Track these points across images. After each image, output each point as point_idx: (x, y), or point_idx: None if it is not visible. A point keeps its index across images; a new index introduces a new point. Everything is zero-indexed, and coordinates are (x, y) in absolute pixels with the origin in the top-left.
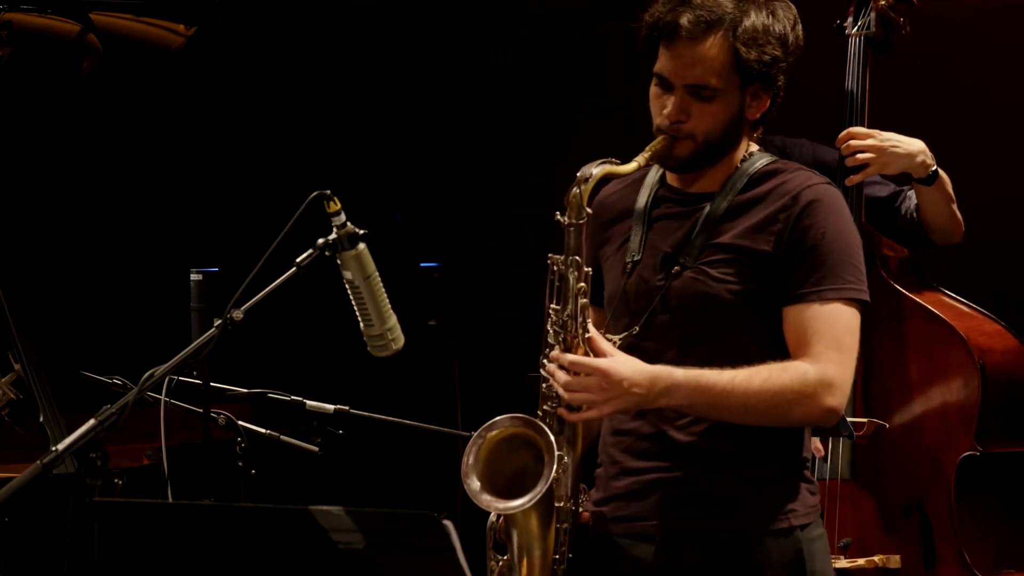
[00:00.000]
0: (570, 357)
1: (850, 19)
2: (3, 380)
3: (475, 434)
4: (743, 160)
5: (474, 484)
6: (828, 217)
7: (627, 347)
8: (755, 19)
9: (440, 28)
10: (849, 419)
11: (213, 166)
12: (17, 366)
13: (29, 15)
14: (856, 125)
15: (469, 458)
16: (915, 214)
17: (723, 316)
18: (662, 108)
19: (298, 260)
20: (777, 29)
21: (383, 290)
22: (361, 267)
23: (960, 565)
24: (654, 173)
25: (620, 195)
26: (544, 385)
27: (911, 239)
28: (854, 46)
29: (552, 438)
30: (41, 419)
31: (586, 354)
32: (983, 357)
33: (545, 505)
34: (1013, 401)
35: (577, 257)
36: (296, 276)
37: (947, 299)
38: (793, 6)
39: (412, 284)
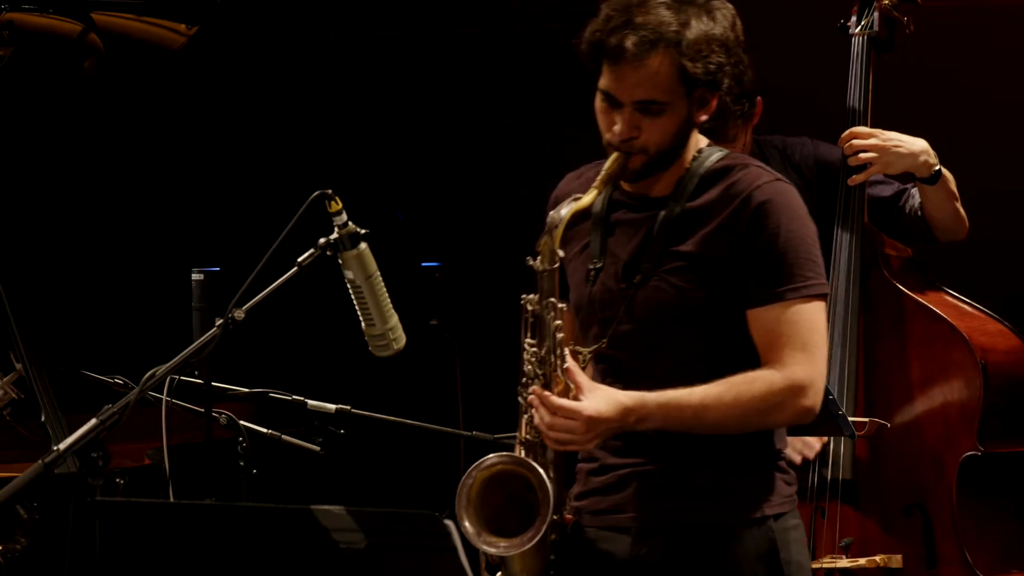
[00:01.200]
0: (555, 402)
1: (853, 18)
2: (5, 379)
3: (465, 474)
4: (693, 159)
5: (470, 527)
6: (781, 216)
7: (597, 358)
8: (696, 30)
9: (440, 28)
10: (850, 418)
11: (214, 166)
12: (19, 365)
13: (31, 15)
14: (859, 125)
15: (462, 500)
16: (919, 212)
17: (687, 324)
18: (611, 124)
19: (299, 260)
20: (718, 33)
21: (384, 290)
22: (362, 267)
23: (962, 565)
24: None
25: (580, 191)
26: (526, 416)
27: (916, 237)
28: (857, 45)
29: (544, 476)
30: (42, 418)
31: (566, 387)
32: (985, 357)
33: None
34: (1015, 401)
35: (552, 299)
36: (297, 276)
37: (950, 299)
38: (729, 3)
39: (413, 284)
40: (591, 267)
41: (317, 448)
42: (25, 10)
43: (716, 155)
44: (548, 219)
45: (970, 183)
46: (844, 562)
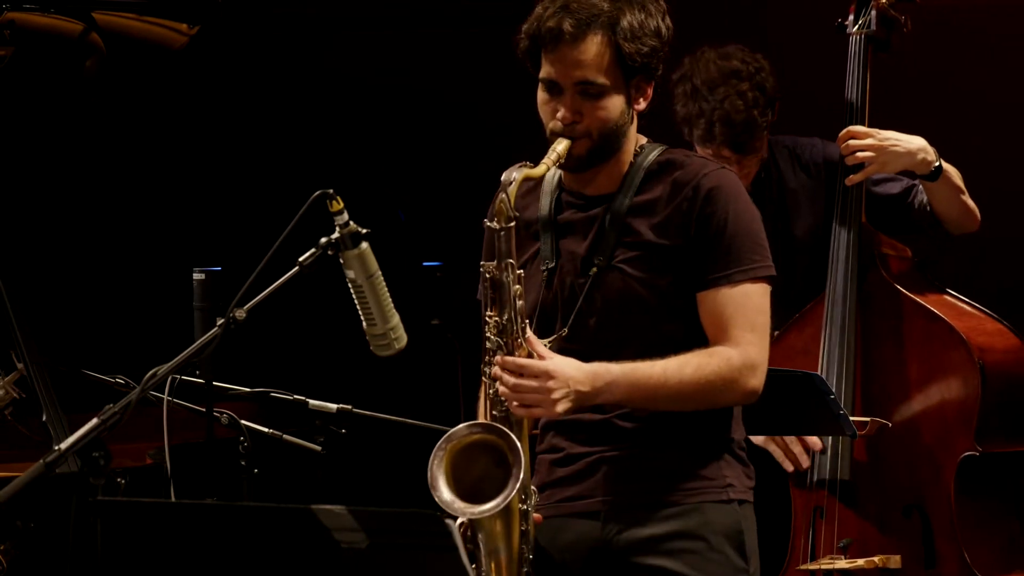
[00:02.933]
0: (519, 361)
1: (851, 17)
2: (6, 379)
3: (435, 447)
4: (636, 154)
5: (445, 494)
6: (729, 202)
7: (557, 351)
8: (630, 17)
9: (441, 28)
10: (852, 418)
11: (216, 165)
12: (20, 365)
13: (32, 14)
14: (856, 124)
15: (434, 469)
16: (928, 207)
17: (647, 312)
18: (554, 112)
19: (301, 259)
20: (652, 24)
21: (386, 289)
22: (364, 266)
23: (960, 565)
24: (551, 178)
25: (521, 205)
26: (491, 391)
27: (928, 232)
28: (855, 45)
29: (515, 438)
30: (44, 418)
31: (528, 356)
32: (983, 356)
33: (509, 508)
34: (1013, 400)
35: (510, 260)
36: (299, 275)
37: (948, 298)
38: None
39: (415, 283)
40: (544, 269)
41: (318, 448)
42: (27, 9)
43: (657, 150)
44: (502, 178)
45: (967, 182)
46: (843, 562)
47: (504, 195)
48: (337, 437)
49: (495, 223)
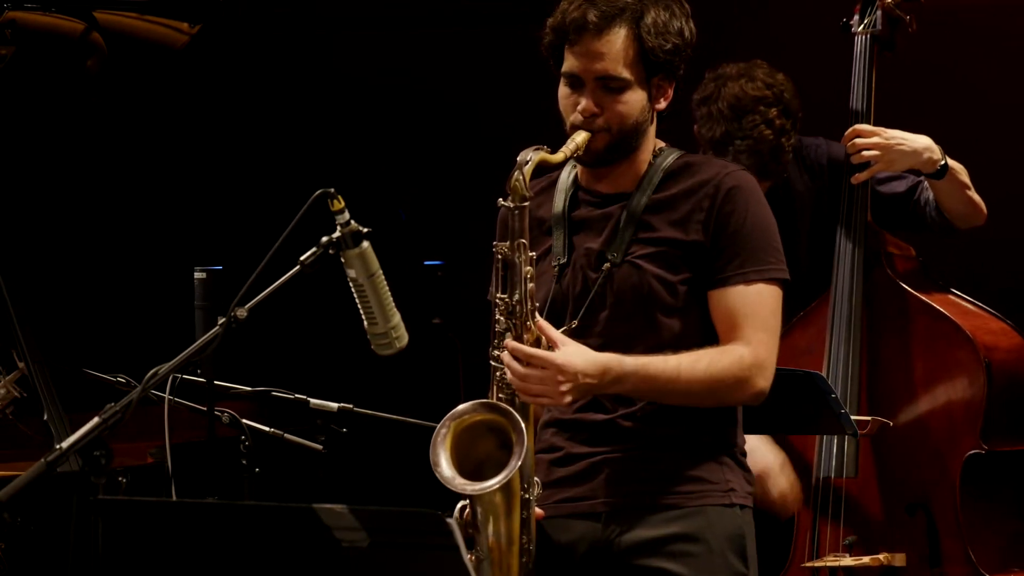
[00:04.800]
0: (527, 350)
1: (856, 17)
2: (7, 378)
3: (440, 423)
4: (655, 155)
5: (446, 471)
6: (748, 202)
7: None
8: (655, 14)
9: (442, 28)
10: (853, 417)
11: (217, 164)
12: (21, 364)
13: (33, 13)
14: (862, 123)
15: (437, 445)
16: (934, 203)
17: (659, 308)
18: (575, 105)
19: (302, 258)
20: (675, 25)
21: (387, 288)
22: (365, 265)
23: (966, 564)
24: (566, 177)
25: (534, 203)
26: (498, 374)
27: (934, 229)
28: (860, 44)
29: (518, 417)
30: (45, 417)
31: (537, 341)
32: (989, 355)
33: (510, 490)
34: (1018, 399)
35: (523, 240)
36: (300, 274)
37: (953, 297)
38: (685, 2)
39: (416, 282)
40: (556, 264)
41: (319, 447)
42: (28, 9)
43: (676, 153)
44: (518, 158)
45: (972, 181)
46: (847, 561)
47: (519, 174)
48: (338, 436)
49: (509, 202)
